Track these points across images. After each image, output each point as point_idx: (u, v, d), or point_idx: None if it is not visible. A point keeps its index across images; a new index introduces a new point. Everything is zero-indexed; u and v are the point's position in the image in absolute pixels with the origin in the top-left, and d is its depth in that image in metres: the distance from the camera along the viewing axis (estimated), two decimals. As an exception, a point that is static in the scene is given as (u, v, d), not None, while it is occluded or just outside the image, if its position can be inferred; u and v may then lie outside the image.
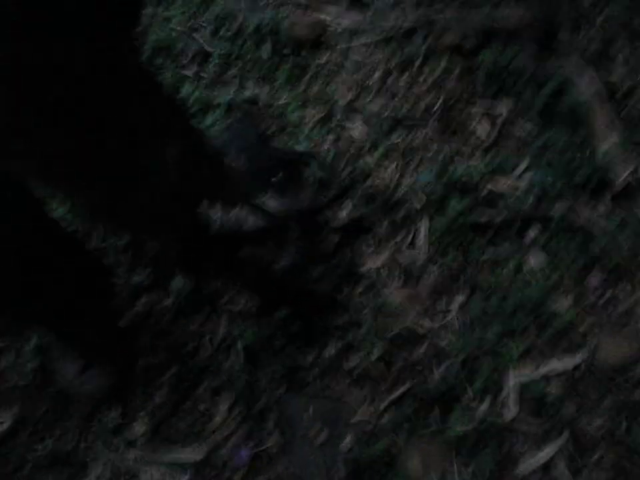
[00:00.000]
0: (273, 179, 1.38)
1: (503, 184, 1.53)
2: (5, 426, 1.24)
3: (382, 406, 1.23)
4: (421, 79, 1.87)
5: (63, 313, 1.17)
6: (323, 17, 2.13)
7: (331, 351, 1.32)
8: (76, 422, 1.25)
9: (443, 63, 1.88)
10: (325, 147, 1.67)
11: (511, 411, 1.20)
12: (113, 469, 1.18)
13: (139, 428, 1.23)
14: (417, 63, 1.91)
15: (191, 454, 1.18)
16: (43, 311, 1.11)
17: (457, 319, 1.34)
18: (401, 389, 1.25)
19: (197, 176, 0.98)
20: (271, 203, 1.33)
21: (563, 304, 1.32)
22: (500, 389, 1.22)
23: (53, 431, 1.25)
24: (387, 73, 1.90)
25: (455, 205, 1.46)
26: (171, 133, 0.86)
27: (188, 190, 0.96)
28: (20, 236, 0.91)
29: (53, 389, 1.34)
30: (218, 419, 1.23)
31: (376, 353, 1.29)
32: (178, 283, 1.42)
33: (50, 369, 1.37)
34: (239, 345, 1.31)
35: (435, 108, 1.76)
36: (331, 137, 1.69)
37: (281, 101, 1.85)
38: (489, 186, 1.53)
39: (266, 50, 2.02)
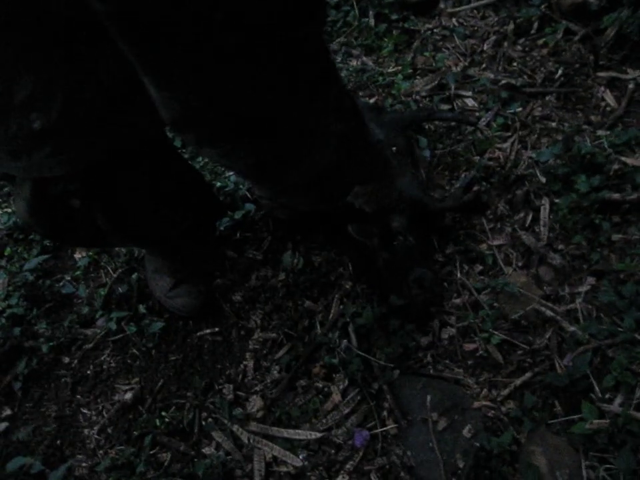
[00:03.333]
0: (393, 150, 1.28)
1: (636, 159, 1.36)
2: (129, 395, 1.24)
3: (503, 393, 1.14)
4: (539, 44, 1.69)
5: (166, 233, 1.18)
6: (430, -21, 1.97)
7: (448, 332, 1.23)
8: (194, 393, 1.24)
9: (563, 27, 1.70)
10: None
11: (648, 408, 1.07)
12: (235, 440, 1.16)
13: (256, 403, 1.20)
14: (534, 27, 1.73)
15: (307, 433, 1.14)
16: (153, 227, 1.12)
17: (586, 305, 1.21)
18: (524, 377, 1.15)
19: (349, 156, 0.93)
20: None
21: None
22: (635, 385, 1.09)
23: (173, 401, 1.24)
24: (502, 39, 1.74)
25: (582, 182, 1.31)
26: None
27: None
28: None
29: (152, 300, 1.39)
30: (334, 399, 1.18)
31: (496, 337, 1.19)
32: (289, 258, 1.37)
33: (147, 280, 1.40)
34: (353, 325, 1.25)
35: (557, 76, 1.59)
36: (444, 107, 1.56)
37: (390, 69, 1.73)
38: (621, 160, 1.37)
39: (371, 17, 1.90)
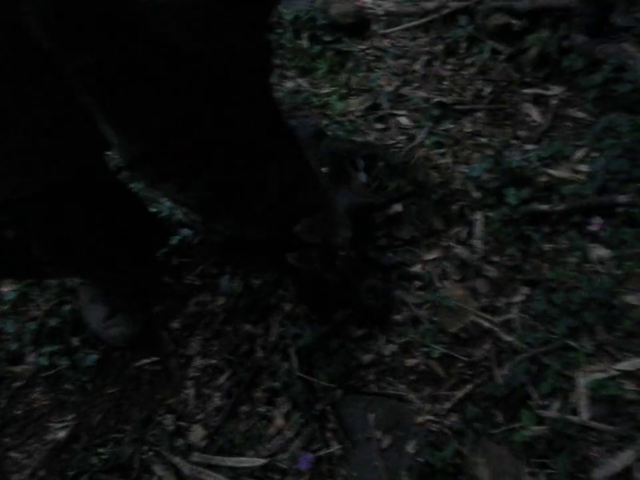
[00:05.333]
0: (326, 173, 1.30)
1: (562, 171, 1.43)
2: (62, 434, 1.20)
3: (446, 407, 1.16)
4: (468, 63, 1.76)
5: (107, 262, 1.16)
6: (361, 1, 2.03)
7: (390, 349, 1.25)
8: (133, 427, 1.20)
9: (490, 47, 1.78)
10: (374, 136, 1.58)
11: (583, 413, 1.11)
12: (177, 473, 1.13)
13: (198, 432, 1.18)
14: (463, 47, 1.81)
15: (251, 460, 1.13)
16: (93, 257, 1.11)
17: (521, 314, 1.25)
18: (465, 389, 1.17)
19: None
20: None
21: (632, 300, 1.22)
22: (570, 390, 1.13)
23: (111, 436, 1.20)
24: (432, 58, 1.80)
25: (513, 194, 1.37)
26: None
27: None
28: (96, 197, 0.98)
29: (85, 332, 1.34)
30: (277, 423, 1.17)
31: (437, 351, 1.22)
32: (227, 282, 1.37)
33: (81, 311, 1.35)
34: (294, 347, 1.24)
35: (485, 93, 1.66)
36: (379, 126, 1.60)
37: (324, 90, 1.77)
38: (548, 173, 1.43)
39: (305, 39, 1.93)
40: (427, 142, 1.53)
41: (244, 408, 1.20)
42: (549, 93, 1.63)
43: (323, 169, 1.34)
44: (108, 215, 1.06)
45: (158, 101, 0.64)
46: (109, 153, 1.01)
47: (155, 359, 1.30)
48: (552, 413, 1.11)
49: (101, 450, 1.18)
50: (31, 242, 0.94)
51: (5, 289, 1.45)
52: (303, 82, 1.81)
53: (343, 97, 1.71)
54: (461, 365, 1.21)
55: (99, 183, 1.01)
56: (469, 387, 1.17)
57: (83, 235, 1.01)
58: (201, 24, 0.55)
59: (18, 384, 1.30)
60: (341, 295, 1.28)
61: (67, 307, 1.37)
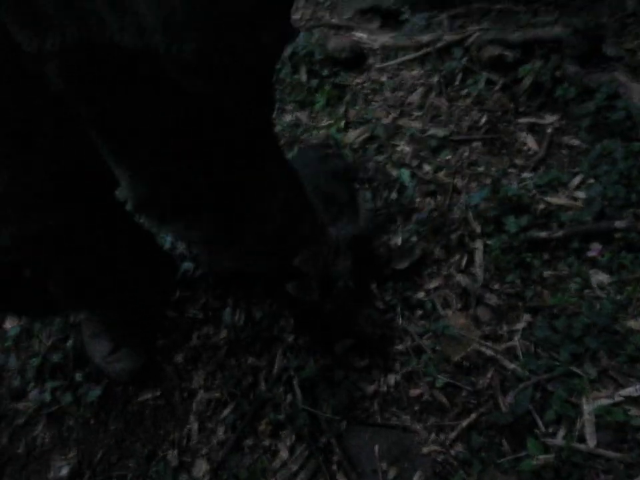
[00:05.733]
0: (330, 199, 1.33)
1: (559, 198, 1.45)
2: (65, 471, 1.19)
3: (451, 436, 1.15)
4: (463, 94, 1.80)
5: (117, 295, 1.20)
6: (358, 35, 2.08)
7: (393, 379, 1.25)
8: (136, 462, 1.20)
9: (484, 78, 1.81)
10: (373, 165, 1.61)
11: (589, 440, 1.11)
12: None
13: (202, 467, 1.17)
14: (458, 79, 1.84)
15: (256, 495, 1.12)
16: (105, 291, 1.14)
17: (523, 342, 1.25)
18: (470, 418, 1.17)
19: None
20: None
21: (634, 325, 1.23)
22: (576, 417, 1.13)
23: (114, 473, 1.20)
24: (428, 90, 1.84)
25: (511, 222, 1.38)
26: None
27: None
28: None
29: (88, 367, 1.34)
30: (282, 456, 1.16)
31: (440, 381, 1.22)
32: (229, 315, 1.37)
33: (84, 346, 1.36)
34: (297, 379, 1.25)
35: (481, 123, 1.69)
36: (379, 158, 1.63)
37: (323, 123, 1.80)
38: (546, 200, 1.45)
39: (303, 73, 1.98)
40: (425, 171, 1.56)
41: (248, 441, 1.19)
42: (544, 121, 1.66)
43: (327, 193, 1.37)
44: (118, 248, 1.08)
45: (163, 141, 0.66)
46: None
47: (158, 393, 1.30)
48: (558, 440, 1.10)
49: (102, 488, 1.17)
50: (46, 279, 0.96)
51: (8, 325, 1.46)
52: (302, 115, 1.84)
53: (341, 130, 1.74)
54: (464, 394, 1.21)
55: (109, 216, 1.03)
56: (474, 415, 1.17)
57: (94, 268, 1.03)
58: (221, 74, 0.59)
59: (20, 421, 1.30)
60: (340, 325, 1.29)
61: (70, 342, 1.37)
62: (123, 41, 0.52)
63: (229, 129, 0.71)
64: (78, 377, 1.32)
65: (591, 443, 1.09)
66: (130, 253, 1.18)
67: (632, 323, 1.22)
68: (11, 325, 1.46)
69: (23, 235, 0.82)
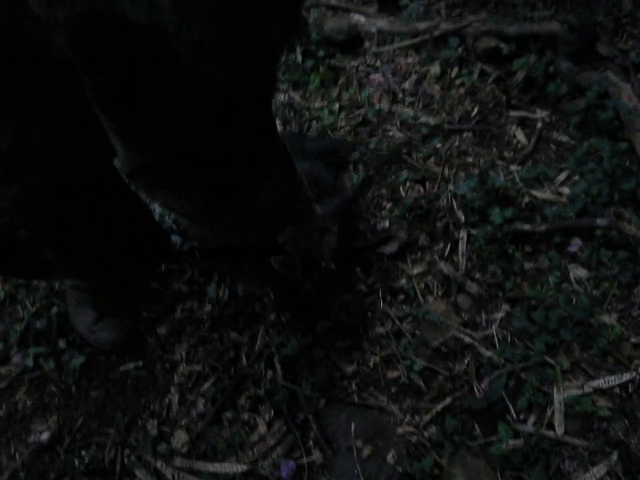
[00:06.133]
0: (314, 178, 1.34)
1: (544, 192, 1.48)
2: (45, 436, 1.21)
3: (425, 419, 1.19)
4: (457, 84, 1.81)
5: (110, 264, 1.20)
6: (355, 18, 2.08)
7: (372, 361, 1.27)
8: (116, 430, 1.22)
9: (478, 69, 1.83)
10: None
11: (558, 427, 1.15)
12: (159, 477, 1.14)
13: (180, 437, 1.19)
14: (452, 68, 1.86)
15: (233, 466, 1.14)
16: (99, 259, 1.15)
17: (501, 331, 1.29)
18: (445, 402, 1.20)
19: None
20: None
21: (608, 319, 1.27)
22: (546, 405, 1.17)
23: (94, 439, 1.21)
24: (422, 78, 1.85)
25: (496, 214, 1.41)
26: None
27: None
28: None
29: (72, 335, 1.35)
30: (260, 431, 1.19)
31: (418, 364, 1.25)
32: (214, 290, 1.39)
33: (69, 315, 1.37)
34: (278, 356, 1.27)
35: (473, 114, 1.71)
36: (371, 140, 1.64)
37: (316, 104, 1.80)
38: (531, 194, 1.48)
39: (299, 53, 1.97)
40: (415, 156, 1.58)
41: (227, 415, 1.22)
42: (534, 116, 1.68)
43: (313, 173, 1.38)
44: (115, 218, 1.09)
45: (165, 119, 0.67)
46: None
47: (140, 363, 1.31)
48: (528, 427, 1.14)
49: (83, 453, 1.19)
50: (42, 243, 0.97)
51: (-7, 290, 1.46)
52: (295, 95, 1.84)
53: (333, 112, 1.74)
54: (441, 378, 1.24)
55: (106, 185, 1.04)
56: (449, 399, 1.20)
57: (90, 236, 1.04)
58: (226, 57, 0.60)
59: (2, 385, 1.30)
60: (319, 307, 1.31)
61: (55, 309, 1.38)
62: (134, 14, 0.53)
63: (229, 109, 0.72)
64: (61, 343, 1.33)
65: (559, 430, 1.13)
66: (123, 221, 1.18)
67: (606, 318, 1.26)
68: (-5, 289, 1.46)
69: (23, 198, 0.83)
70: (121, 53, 0.58)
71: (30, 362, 1.30)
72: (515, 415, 1.16)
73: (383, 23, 2.01)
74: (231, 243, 1.28)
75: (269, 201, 0.98)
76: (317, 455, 1.14)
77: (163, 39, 0.55)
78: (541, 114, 1.68)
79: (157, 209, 1.52)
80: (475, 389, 1.21)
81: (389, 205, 1.51)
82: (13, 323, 1.39)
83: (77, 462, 1.17)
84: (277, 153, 0.98)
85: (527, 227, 1.40)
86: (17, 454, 1.21)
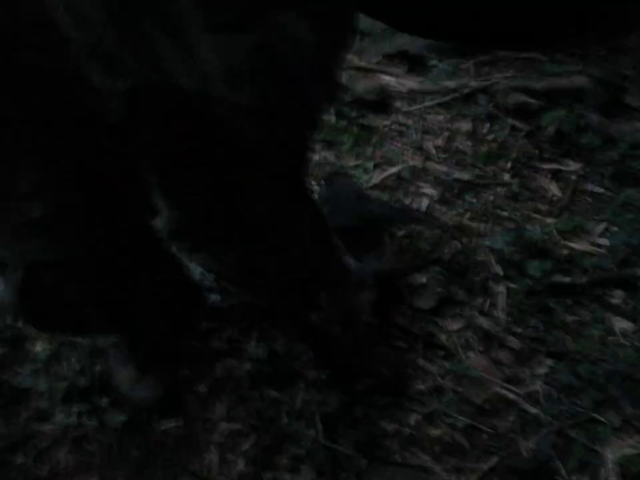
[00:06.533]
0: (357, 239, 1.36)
1: (583, 244, 1.47)
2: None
3: (471, 479, 1.15)
4: (489, 140, 1.84)
5: (140, 321, 1.22)
6: (386, 79, 2.15)
7: (413, 418, 1.25)
8: (157, 490, 1.21)
9: (509, 124, 1.86)
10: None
11: (612, 489, 1.10)
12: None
13: (221, 499, 1.18)
14: (483, 124, 1.89)
15: (275, 529, 1.12)
16: (125, 315, 1.16)
17: (545, 386, 1.26)
18: (491, 462, 1.17)
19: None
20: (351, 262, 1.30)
21: (657, 373, 1.23)
22: (599, 465, 1.12)
23: (135, 499, 1.21)
24: (454, 135, 1.88)
25: (535, 267, 1.40)
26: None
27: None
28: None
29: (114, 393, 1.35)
30: (301, 492, 1.17)
31: (461, 422, 1.22)
32: (253, 348, 1.40)
33: (111, 372, 1.38)
34: (318, 414, 1.26)
35: (505, 168, 1.73)
36: (406, 200, 1.66)
37: (350, 163, 1.85)
38: (569, 246, 1.47)
39: (332, 114, 2.03)
40: (449, 215, 1.59)
41: (268, 475, 1.20)
42: (568, 168, 1.69)
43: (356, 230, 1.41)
44: (149, 275, 1.12)
45: (212, 181, 0.71)
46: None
47: (180, 422, 1.31)
48: (580, 489, 1.10)
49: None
50: (86, 298, 1.00)
51: (39, 348, 1.49)
52: (329, 155, 1.89)
53: (367, 170, 1.78)
54: (485, 436, 1.21)
55: (141, 245, 1.07)
56: (495, 459, 1.17)
57: (126, 293, 1.07)
58: (269, 118, 0.64)
59: (44, 444, 1.32)
60: (359, 362, 1.30)
61: (98, 367, 1.40)
62: (188, 84, 0.57)
63: (265, 167, 0.75)
64: (103, 402, 1.34)
65: (615, 492, 1.09)
66: (160, 279, 1.21)
67: (655, 373, 1.22)
68: (41, 347, 1.49)
69: (74, 250, 0.86)
70: (168, 116, 0.62)
71: (73, 420, 1.32)
72: (566, 476, 1.12)
73: (412, 83, 2.07)
74: (263, 306, 1.31)
75: (299, 261, 1.00)
76: (360, 518, 1.11)
77: (207, 102, 0.59)
78: (574, 166, 1.68)
79: (198, 268, 1.55)
80: (521, 447, 1.17)
81: (425, 260, 1.51)
82: (57, 381, 1.41)
83: (117, 523, 1.16)
84: (309, 215, 1.00)
85: (566, 279, 1.38)
86: (58, 515, 1.21)
